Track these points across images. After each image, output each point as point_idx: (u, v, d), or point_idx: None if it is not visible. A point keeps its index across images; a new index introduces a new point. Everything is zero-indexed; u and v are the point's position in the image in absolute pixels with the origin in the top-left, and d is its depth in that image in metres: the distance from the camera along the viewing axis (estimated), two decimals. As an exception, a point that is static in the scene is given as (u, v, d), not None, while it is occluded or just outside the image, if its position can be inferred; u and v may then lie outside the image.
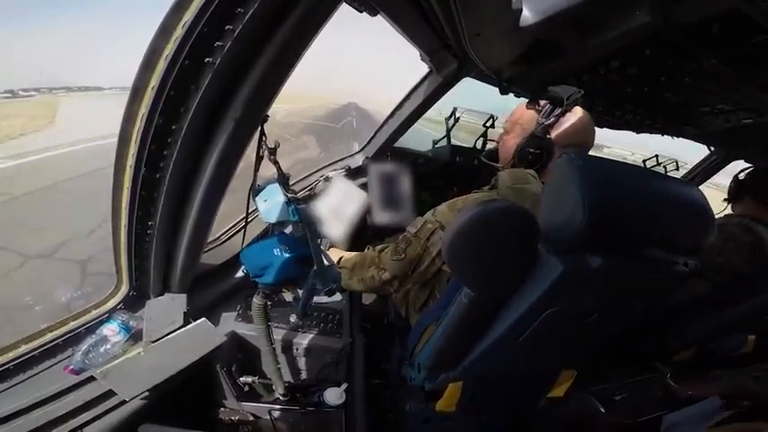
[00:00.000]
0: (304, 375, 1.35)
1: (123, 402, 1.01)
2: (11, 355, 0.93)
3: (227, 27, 0.57)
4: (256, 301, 1.04)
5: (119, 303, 1.03)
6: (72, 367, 0.94)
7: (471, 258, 0.80)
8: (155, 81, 0.62)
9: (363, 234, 1.77)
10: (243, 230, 1.07)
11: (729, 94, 1.41)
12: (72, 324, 1.00)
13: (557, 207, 0.74)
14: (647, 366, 1.76)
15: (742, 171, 1.85)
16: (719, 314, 1.46)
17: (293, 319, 1.31)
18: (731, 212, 1.82)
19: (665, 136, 2.28)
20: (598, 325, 0.90)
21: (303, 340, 1.28)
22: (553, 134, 1.10)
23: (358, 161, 2.04)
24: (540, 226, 0.75)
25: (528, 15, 0.96)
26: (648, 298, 0.93)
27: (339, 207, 1.51)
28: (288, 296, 1.24)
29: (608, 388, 1.64)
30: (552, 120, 1.10)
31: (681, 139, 2.32)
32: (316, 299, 1.12)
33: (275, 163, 0.87)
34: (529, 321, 0.81)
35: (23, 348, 0.94)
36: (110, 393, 0.98)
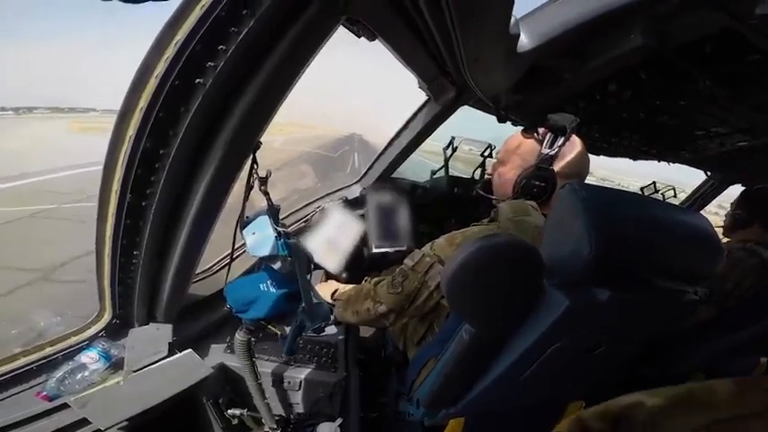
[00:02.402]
0: (297, 409, 1.30)
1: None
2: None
3: (220, 47, 0.55)
4: (239, 337, 1.01)
5: (100, 331, 0.99)
6: (45, 393, 0.90)
7: (472, 295, 0.76)
8: (143, 102, 0.60)
9: (360, 266, 1.74)
10: (228, 265, 1.04)
11: (724, 116, 1.43)
12: (48, 350, 0.96)
13: (561, 240, 0.71)
14: None
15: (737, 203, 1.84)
16: (730, 337, 1.43)
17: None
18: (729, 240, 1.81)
19: (662, 162, 2.30)
20: (606, 356, 0.85)
21: (295, 374, 1.24)
22: (556, 165, 1.08)
23: (355, 192, 2.00)
24: (543, 259, 0.72)
25: (525, 41, 0.97)
26: (658, 327, 0.90)
27: (335, 238, 1.49)
28: (275, 331, 1.20)
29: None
30: (556, 150, 1.08)
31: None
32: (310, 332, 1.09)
33: (266, 194, 0.85)
34: (533, 357, 0.77)
35: None
36: (84, 422, 0.93)
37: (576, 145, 1.10)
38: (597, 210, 0.66)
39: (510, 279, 0.74)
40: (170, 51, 0.56)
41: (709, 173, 2.68)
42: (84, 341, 0.97)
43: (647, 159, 2.34)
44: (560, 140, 1.07)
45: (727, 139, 1.72)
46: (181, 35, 0.54)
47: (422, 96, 1.58)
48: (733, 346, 1.43)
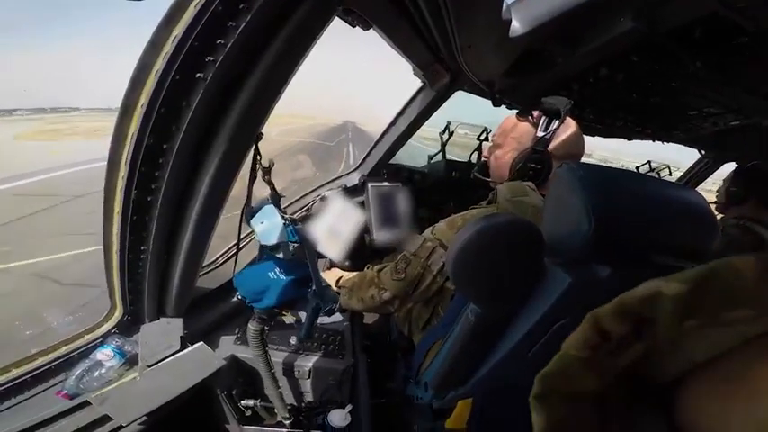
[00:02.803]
0: (307, 398, 1.32)
1: (120, 427, 0.97)
2: (0, 379, 0.90)
3: (219, 41, 0.56)
4: (252, 327, 1.02)
5: (113, 328, 1.00)
6: (65, 392, 0.92)
7: (477, 275, 0.78)
8: (144, 98, 0.61)
9: (362, 253, 1.76)
10: (235, 255, 1.05)
11: (716, 97, 1.43)
12: (64, 349, 0.97)
13: (560, 218, 0.72)
14: None
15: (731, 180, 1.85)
16: None
17: (293, 341, 1.28)
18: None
19: (656, 142, 2.31)
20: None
21: (305, 362, 1.26)
22: (550, 146, 1.10)
23: (354, 180, 2.02)
24: (544, 238, 0.73)
25: (517, 26, 0.97)
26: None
27: (336, 226, 1.50)
28: (288, 319, 1.23)
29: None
30: (551, 133, 1.09)
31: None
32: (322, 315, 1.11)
33: (270, 183, 0.86)
34: (539, 334, 0.79)
35: (13, 373, 0.91)
36: (105, 418, 0.95)
37: (569, 126, 1.12)
38: (595, 187, 0.68)
39: (512, 258, 0.75)
40: (168, 47, 0.56)
41: (703, 152, 2.70)
42: (97, 338, 0.99)
43: (641, 139, 2.35)
44: (555, 123, 1.08)
45: (720, 119, 1.73)
46: (178, 31, 0.55)
47: (414, 84, 1.59)
48: None
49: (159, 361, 0.98)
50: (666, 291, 0.22)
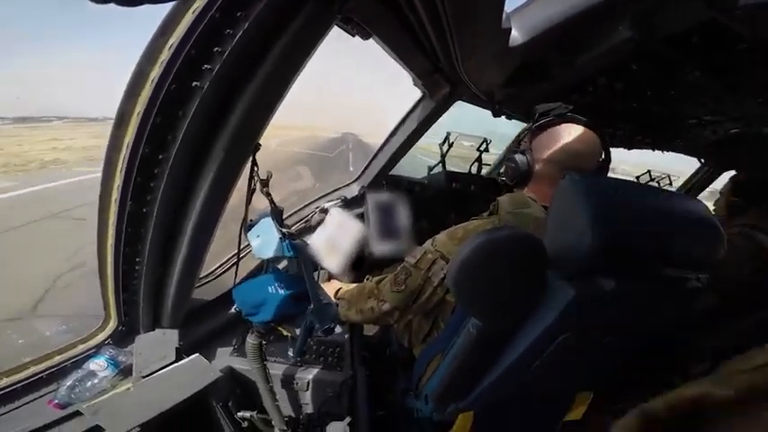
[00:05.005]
0: (306, 410, 1.30)
1: (111, 438, 0.96)
2: (-9, 387, 0.89)
3: (216, 49, 0.55)
4: (250, 340, 1.00)
5: (107, 338, 0.99)
6: (57, 401, 0.91)
7: (479, 289, 0.77)
8: (140, 107, 0.60)
9: (361, 265, 1.74)
10: (235, 265, 1.04)
11: (715, 106, 1.44)
12: (57, 358, 0.96)
13: (563, 231, 0.71)
14: (666, 382, 1.69)
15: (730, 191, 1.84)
16: (735, 325, 1.43)
17: (291, 353, 1.26)
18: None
19: (656, 151, 2.31)
20: (613, 346, 0.86)
21: (303, 375, 1.24)
22: (543, 154, 1.08)
23: (354, 191, 2.00)
24: (547, 251, 0.72)
25: (516, 35, 0.97)
26: (664, 316, 0.90)
27: (336, 239, 1.48)
28: (286, 332, 1.21)
29: (626, 407, 1.57)
30: (525, 134, 1.10)
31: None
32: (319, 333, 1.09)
33: (268, 195, 0.84)
34: (541, 348, 0.77)
35: (4, 381, 0.90)
36: (96, 429, 0.93)
37: (558, 135, 1.05)
38: (598, 199, 0.67)
39: (515, 271, 0.74)
40: (165, 55, 0.55)
41: (703, 160, 2.70)
42: (90, 349, 0.98)
43: (641, 148, 2.36)
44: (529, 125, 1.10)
45: (719, 127, 1.74)
46: (175, 38, 0.54)
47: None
48: (741, 333, 1.44)
49: (154, 372, 0.96)
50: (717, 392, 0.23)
